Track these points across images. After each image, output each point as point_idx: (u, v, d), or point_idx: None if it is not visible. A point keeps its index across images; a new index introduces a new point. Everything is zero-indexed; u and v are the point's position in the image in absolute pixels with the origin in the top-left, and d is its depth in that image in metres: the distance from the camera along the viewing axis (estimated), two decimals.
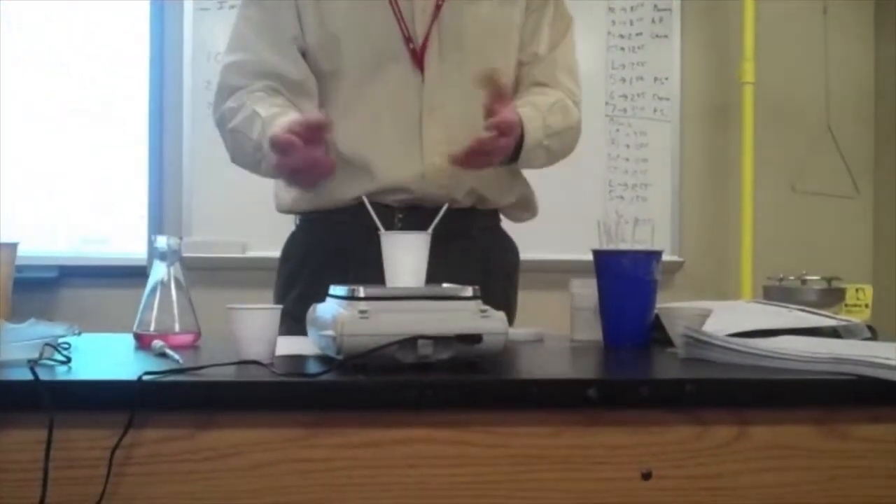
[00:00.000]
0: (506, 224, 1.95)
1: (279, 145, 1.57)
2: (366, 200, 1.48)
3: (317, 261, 1.82)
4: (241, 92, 1.79)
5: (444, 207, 1.42)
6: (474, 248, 1.83)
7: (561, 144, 1.84)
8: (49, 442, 1.03)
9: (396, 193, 1.76)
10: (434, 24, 1.78)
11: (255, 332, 1.24)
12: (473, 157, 1.64)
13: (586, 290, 1.59)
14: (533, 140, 1.74)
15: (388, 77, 1.78)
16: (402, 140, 1.77)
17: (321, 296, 1.36)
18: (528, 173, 1.92)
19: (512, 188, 1.88)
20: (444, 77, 1.78)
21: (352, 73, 1.79)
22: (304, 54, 1.82)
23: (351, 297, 1.23)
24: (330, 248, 1.81)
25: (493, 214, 1.91)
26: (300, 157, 1.58)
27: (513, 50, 1.86)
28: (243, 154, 1.78)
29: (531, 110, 1.76)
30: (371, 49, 1.78)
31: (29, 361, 1.12)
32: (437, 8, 1.78)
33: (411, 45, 1.78)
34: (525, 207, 1.93)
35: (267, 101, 1.77)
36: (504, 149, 1.66)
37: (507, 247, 1.96)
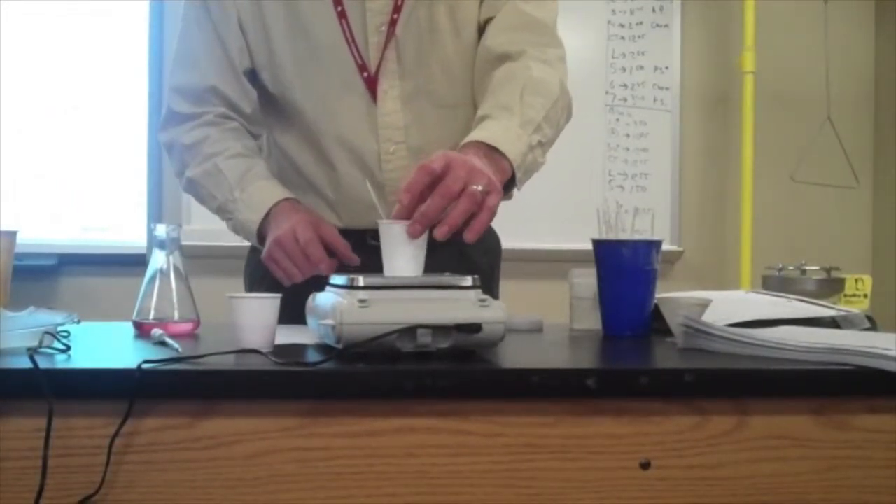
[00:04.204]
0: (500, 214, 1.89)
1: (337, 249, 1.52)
2: (369, 185, 1.46)
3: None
4: (190, 124, 1.69)
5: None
6: (455, 253, 1.66)
7: (553, 125, 1.57)
8: (48, 430, 1.03)
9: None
10: (388, 49, 1.63)
11: (254, 320, 1.23)
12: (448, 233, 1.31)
13: (586, 280, 1.59)
14: (518, 154, 1.47)
15: (340, 110, 1.65)
16: (363, 186, 1.55)
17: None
18: None
19: None
20: (403, 110, 1.65)
21: (300, 103, 1.67)
22: (252, 71, 1.70)
23: (350, 287, 1.23)
24: None
25: None
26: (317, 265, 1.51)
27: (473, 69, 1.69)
28: (203, 202, 1.71)
29: (505, 118, 1.50)
30: (320, 78, 1.65)
31: (28, 349, 1.11)
32: (392, 25, 1.62)
33: (365, 74, 1.64)
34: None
35: (227, 144, 1.67)
36: (490, 209, 1.33)
37: (490, 243, 1.85)
